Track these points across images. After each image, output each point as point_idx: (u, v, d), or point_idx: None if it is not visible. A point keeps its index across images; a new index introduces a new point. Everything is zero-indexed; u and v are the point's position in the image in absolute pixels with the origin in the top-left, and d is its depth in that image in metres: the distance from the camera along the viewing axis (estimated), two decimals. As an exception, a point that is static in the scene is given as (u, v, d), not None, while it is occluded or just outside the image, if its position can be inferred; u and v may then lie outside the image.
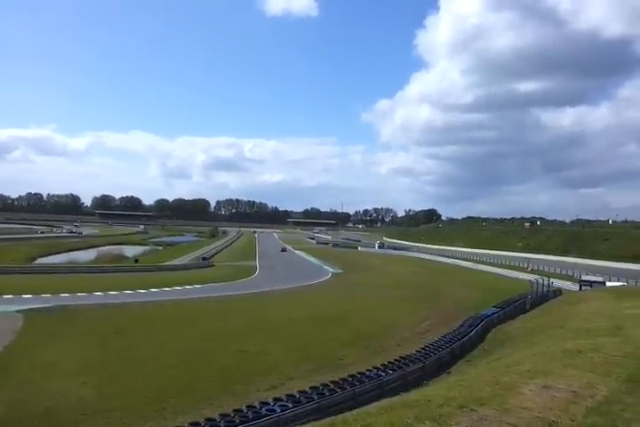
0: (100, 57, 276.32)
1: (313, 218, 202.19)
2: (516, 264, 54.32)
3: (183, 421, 10.33)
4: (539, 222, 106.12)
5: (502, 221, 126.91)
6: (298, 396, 11.85)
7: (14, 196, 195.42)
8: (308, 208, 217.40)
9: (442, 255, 70.05)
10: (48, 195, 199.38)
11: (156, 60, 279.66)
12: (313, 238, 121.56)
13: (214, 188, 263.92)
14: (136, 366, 14.78)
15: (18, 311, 21.88)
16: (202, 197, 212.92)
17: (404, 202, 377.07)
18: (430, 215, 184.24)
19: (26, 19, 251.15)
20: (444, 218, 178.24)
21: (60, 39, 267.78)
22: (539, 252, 68.11)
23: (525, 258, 56.79)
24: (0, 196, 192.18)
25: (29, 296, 26.33)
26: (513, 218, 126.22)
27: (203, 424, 9.87)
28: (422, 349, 17.45)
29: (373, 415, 6.79)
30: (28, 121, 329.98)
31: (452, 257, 66.44)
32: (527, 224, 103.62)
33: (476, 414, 6.43)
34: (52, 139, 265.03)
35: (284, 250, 79.82)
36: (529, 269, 50.35)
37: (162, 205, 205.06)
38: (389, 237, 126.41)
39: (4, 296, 26.14)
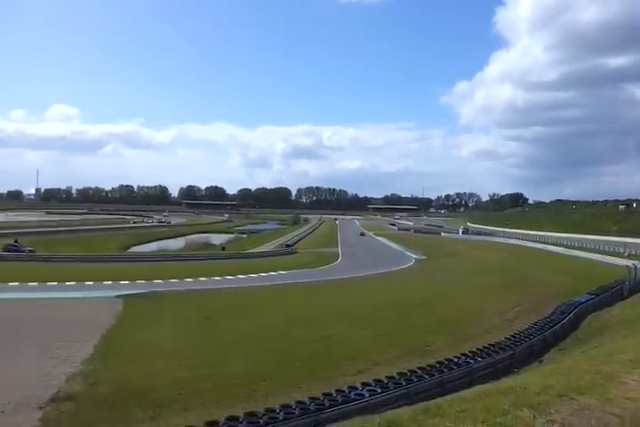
0: (183, 52, 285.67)
1: (393, 204, 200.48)
2: (611, 249, 51.46)
3: (273, 403, 10.57)
4: (634, 205, 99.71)
5: (594, 203, 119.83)
6: (386, 381, 11.84)
7: (108, 188, 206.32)
8: (388, 194, 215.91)
9: (530, 240, 67.46)
10: (138, 186, 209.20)
11: (234, 52, 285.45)
12: (394, 225, 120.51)
13: (295, 176, 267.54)
14: (227, 349, 15.31)
15: (117, 296, 23.25)
16: (283, 186, 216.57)
17: (487, 186, 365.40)
18: (516, 199, 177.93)
19: (114, 17, 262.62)
20: (530, 202, 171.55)
21: (142, 36, 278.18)
22: (636, 236, 64.10)
23: (621, 242, 53.66)
24: (95, 188, 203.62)
25: (126, 282, 27.87)
26: (606, 200, 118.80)
27: (293, 407, 10.07)
28: (512, 336, 16.94)
29: (468, 401, 6.67)
30: (118, 116, 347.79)
31: (541, 242, 63.85)
32: (622, 207, 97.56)
33: (577, 403, 6.17)
34: (140, 133, 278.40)
35: (362, 234, 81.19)
36: (626, 254, 47.48)
37: (245, 194, 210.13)
38: (473, 223, 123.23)
39: (104, 282, 27.84)
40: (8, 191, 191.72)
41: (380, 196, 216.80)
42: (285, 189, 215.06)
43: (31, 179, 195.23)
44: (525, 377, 9.47)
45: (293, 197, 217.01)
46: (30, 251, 43.68)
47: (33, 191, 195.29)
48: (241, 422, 9.23)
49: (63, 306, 21.65)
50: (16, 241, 47.77)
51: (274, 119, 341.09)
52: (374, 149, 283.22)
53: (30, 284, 27.18)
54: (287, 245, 57.70)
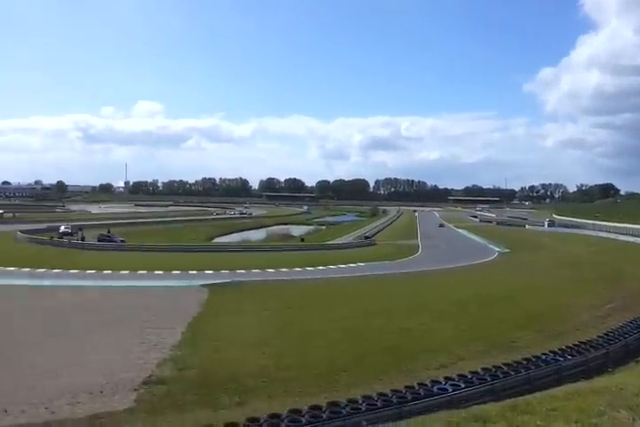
0: (261, 46, 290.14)
1: (474, 195, 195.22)
2: None
3: (355, 394, 10.59)
4: None
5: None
6: (470, 376, 11.59)
7: (191, 181, 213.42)
8: (469, 185, 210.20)
9: (623, 233, 63.80)
10: (220, 179, 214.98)
11: (311, 44, 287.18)
12: (475, 217, 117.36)
13: (372, 167, 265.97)
14: (308, 339, 15.49)
15: (202, 286, 24.08)
16: (360, 177, 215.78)
17: (574, 176, 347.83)
18: (606, 190, 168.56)
19: (191, 18, 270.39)
20: (622, 193, 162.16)
21: (217, 33, 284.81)
22: None
23: None
24: (180, 181, 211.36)
25: (210, 272, 28.79)
26: None
27: (376, 398, 10.05)
28: (605, 334, 16.09)
29: (559, 400, 6.41)
30: (200, 111, 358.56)
31: (636, 235, 60.24)
32: None
33: (681, 406, 5.77)
34: (220, 127, 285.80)
35: (441, 226, 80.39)
36: None
37: (323, 185, 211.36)
38: (560, 215, 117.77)
39: (190, 272, 28.91)
40: (100, 184, 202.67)
41: (460, 187, 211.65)
42: (363, 180, 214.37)
43: (120, 172, 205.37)
44: (621, 377, 8.99)
45: (371, 189, 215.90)
46: (122, 241, 46.05)
47: (122, 184, 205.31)
48: (324, 412, 9.32)
49: (152, 294, 22.69)
50: (109, 231, 50.52)
51: (350, 111, 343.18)
52: (454, 138, 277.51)
53: (122, 272, 28.69)
54: (366, 237, 57.59)
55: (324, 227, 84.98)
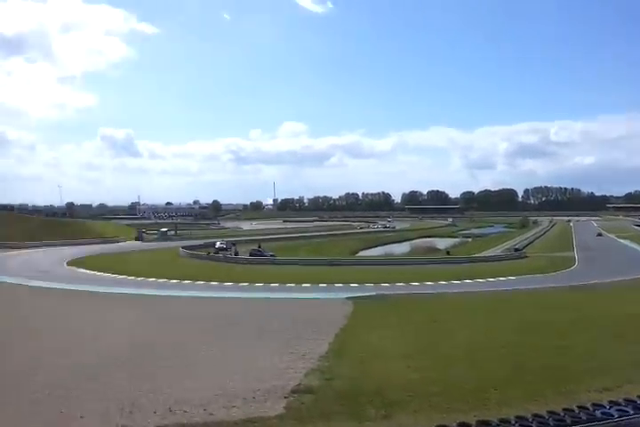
0: (396, 62, 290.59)
1: (638, 202, 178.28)
2: None
3: (507, 413, 10.07)
4: None
5: None
6: (639, 402, 10.50)
7: (335, 196, 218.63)
8: (631, 191, 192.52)
9: None
10: (362, 194, 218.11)
11: (444, 54, 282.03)
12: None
13: (520, 176, 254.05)
14: (455, 354, 15.03)
15: (347, 298, 24.45)
16: (508, 187, 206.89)
17: None
18: None
19: (329, 39, 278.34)
20: None
21: (354, 52, 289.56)
22: None
23: None
24: (324, 197, 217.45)
25: (355, 285, 29.21)
26: None
27: (530, 419, 9.47)
28: None
29: None
30: (341, 129, 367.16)
31: None
32: None
33: None
34: (361, 143, 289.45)
35: (599, 235, 75.61)
36: None
37: (467, 197, 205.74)
38: None
39: (336, 285, 29.54)
40: (251, 202, 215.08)
41: (620, 194, 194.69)
42: (511, 190, 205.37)
43: (269, 191, 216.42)
44: None
45: (520, 199, 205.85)
46: (271, 255, 48.31)
47: (271, 202, 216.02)
48: (473, 430, 8.97)
49: (300, 306, 23.50)
50: (259, 246, 53.28)
51: (493, 119, 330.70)
52: (610, 142, 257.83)
53: (272, 285, 30.07)
54: (516, 249, 54.96)
55: (469, 239, 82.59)
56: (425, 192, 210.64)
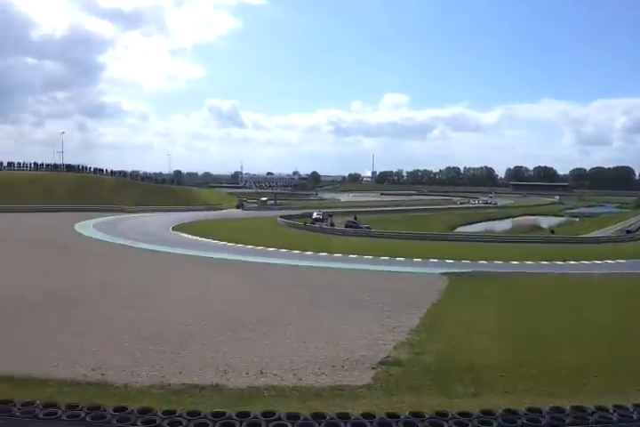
0: (506, 27, 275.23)
1: None
2: None
3: (605, 402, 9.52)
4: None
5: None
6: None
7: (435, 170, 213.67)
8: None
9: None
10: (464, 168, 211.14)
11: (550, 17, 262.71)
12: None
13: (639, 153, 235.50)
14: (553, 336, 14.41)
15: (442, 274, 24.07)
16: (624, 165, 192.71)
17: None
18: None
19: (437, 10, 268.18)
20: None
21: (467, 21, 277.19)
22: None
23: None
24: (424, 171, 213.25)
25: (451, 261, 28.63)
26: None
27: (631, 409, 8.90)
28: None
29: None
30: (444, 101, 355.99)
31: None
32: None
33: None
34: (465, 115, 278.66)
35: None
36: None
37: (577, 174, 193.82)
38: None
39: (431, 260, 29.12)
40: (349, 174, 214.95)
41: None
42: (627, 168, 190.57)
43: (368, 163, 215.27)
44: None
45: (637, 178, 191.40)
46: (367, 227, 48.35)
47: (369, 174, 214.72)
48: (567, 416, 8.58)
49: (393, 279, 23.46)
50: (355, 218, 53.48)
51: (611, 91, 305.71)
52: None
53: (365, 257, 30.16)
54: (628, 231, 51.38)
55: (577, 219, 78.14)
56: (531, 168, 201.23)
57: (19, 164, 78.46)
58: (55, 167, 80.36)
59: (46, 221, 49.75)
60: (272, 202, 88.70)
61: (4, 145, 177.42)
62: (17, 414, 7.64)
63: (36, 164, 79.47)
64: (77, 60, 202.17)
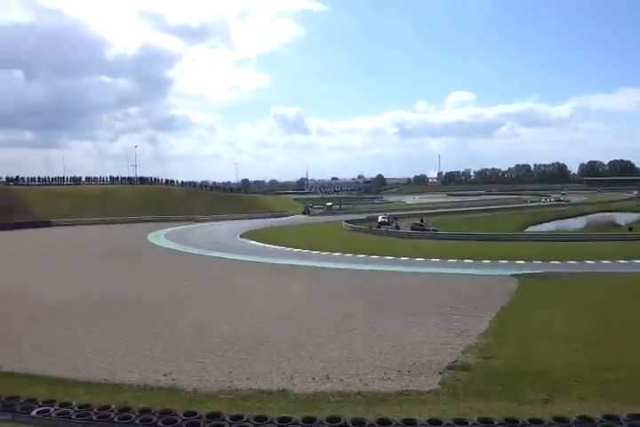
0: (571, 21, 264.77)
1: None
2: None
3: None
4: None
5: None
6: None
7: (504, 168, 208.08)
8: None
9: None
10: (535, 165, 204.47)
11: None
12: None
13: None
14: (631, 340, 13.69)
15: (512, 275, 23.41)
16: None
17: None
18: None
19: (495, 5, 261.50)
20: None
21: (525, 16, 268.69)
22: None
23: None
24: (492, 169, 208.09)
25: (522, 262, 27.77)
26: None
27: None
28: None
29: None
30: (512, 97, 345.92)
31: None
32: None
33: None
34: (535, 110, 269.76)
35: None
36: None
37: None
38: None
39: (501, 261, 28.37)
40: (415, 176, 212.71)
41: None
42: None
43: (434, 164, 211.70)
44: None
45: None
46: (434, 230, 47.67)
47: (435, 175, 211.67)
48: (646, 423, 8.16)
49: (461, 282, 22.99)
50: (422, 221, 52.90)
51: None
52: None
53: (433, 260, 29.73)
54: None
55: (658, 214, 74.07)
56: (606, 162, 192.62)
57: (95, 178, 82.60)
58: (129, 180, 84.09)
59: (121, 232, 52.10)
60: (337, 207, 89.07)
61: (85, 161, 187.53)
62: (94, 418, 8.12)
63: (112, 177, 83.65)
64: (148, 76, 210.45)
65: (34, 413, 8.32)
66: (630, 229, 49.31)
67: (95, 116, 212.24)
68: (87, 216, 63.27)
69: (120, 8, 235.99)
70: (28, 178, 77.08)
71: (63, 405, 8.53)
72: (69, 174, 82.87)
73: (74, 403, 8.63)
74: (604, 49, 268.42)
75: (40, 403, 8.63)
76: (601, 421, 8.32)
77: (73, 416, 8.10)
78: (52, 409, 8.38)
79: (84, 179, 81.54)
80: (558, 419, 8.37)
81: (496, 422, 8.20)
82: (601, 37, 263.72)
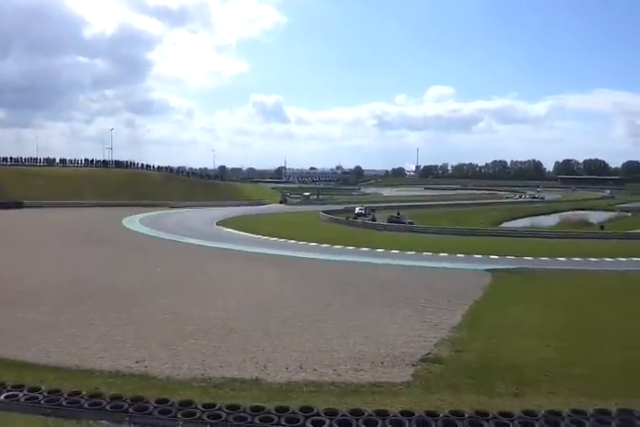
0: (553, 20, 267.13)
1: None
2: None
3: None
4: None
5: None
6: None
7: (481, 164, 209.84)
8: None
9: None
10: (511, 161, 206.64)
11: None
12: None
13: None
14: (601, 336, 13.97)
15: (486, 270, 23.68)
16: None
17: None
18: None
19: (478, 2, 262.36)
20: None
21: (503, 13, 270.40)
22: None
23: None
24: (469, 164, 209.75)
25: (496, 257, 28.10)
26: None
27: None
28: None
29: None
30: (491, 93, 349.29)
31: None
32: None
33: None
34: (513, 107, 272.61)
35: None
36: None
37: (631, 167, 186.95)
38: None
39: (474, 256, 28.66)
40: (392, 169, 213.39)
41: None
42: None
43: (412, 157, 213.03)
44: None
45: None
46: (410, 223, 47.90)
47: (413, 168, 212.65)
48: (613, 418, 8.34)
49: (435, 275, 23.21)
50: (398, 213, 53.11)
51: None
52: None
53: (408, 253, 29.91)
54: (684, 227, 49.40)
55: (629, 214, 75.51)
56: (581, 161, 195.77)
57: (71, 160, 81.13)
58: (105, 163, 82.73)
59: (95, 216, 51.34)
60: (315, 197, 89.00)
61: (59, 142, 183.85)
62: (64, 403, 7.99)
63: (87, 160, 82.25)
64: (126, 57, 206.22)
65: (1, 397, 8.16)
66: (602, 227, 50.18)
67: (71, 97, 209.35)
68: (60, 198, 62.03)
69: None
70: (0, 157, 75.36)
71: (32, 390, 8.38)
72: (43, 155, 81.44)
73: (43, 388, 8.48)
74: (581, 50, 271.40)
75: (9, 388, 8.47)
76: (569, 415, 8.47)
77: (42, 402, 7.96)
78: (21, 394, 8.23)
79: (57, 160, 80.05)
80: (527, 413, 8.50)
81: (466, 415, 8.29)
82: (580, 38, 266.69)
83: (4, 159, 75.54)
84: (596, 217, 65.50)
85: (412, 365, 11.45)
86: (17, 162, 76.35)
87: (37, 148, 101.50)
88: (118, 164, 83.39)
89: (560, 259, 28.07)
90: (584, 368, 11.42)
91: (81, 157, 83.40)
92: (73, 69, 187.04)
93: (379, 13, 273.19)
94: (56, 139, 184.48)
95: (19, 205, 58.54)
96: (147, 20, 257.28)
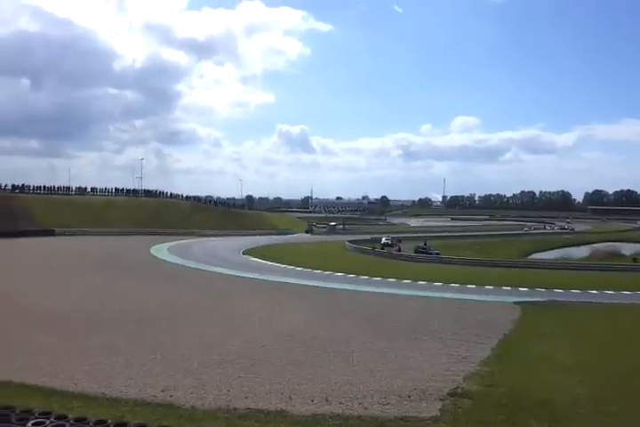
0: (574, 51, 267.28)
1: None
2: None
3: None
4: None
5: None
6: None
7: (509, 194, 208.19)
8: None
9: None
10: (540, 192, 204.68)
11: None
12: None
13: None
14: (633, 373, 13.48)
15: (515, 303, 23.24)
16: None
17: None
18: None
19: (499, 30, 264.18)
20: None
21: (530, 43, 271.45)
22: None
23: None
24: (497, 195, 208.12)
25: (525, 289, 27.66)
26: None
27: None
28: None
29: None
30: (517, 123, 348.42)
31: None
32: None
33: None
34: (540, 137, 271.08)
35: None
36: None
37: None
38: None
39: (504, 288, 28.22)
40: (419, 199, 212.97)
41: None
42: None
43: (438, 187, 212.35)
44: None
45: None
46: (437, 253, 47.54)
47: (440, 199, 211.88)
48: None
49: (463, 307, 22.81)
50: (425, 244, 52.81)
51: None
52: None
53: (435, 284, 29.59)
54: None
55: (663, 245, 73.74)
56: (611, 192, 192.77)
57: (101, 189, 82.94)
58: (134, 192, 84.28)
59: (124, 244, 52.04)
60: (341, 227, 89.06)
61: (90, 171, 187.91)
62: (90, 431, 7.97)
63: (117, 189, 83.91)
64: (155, 89, 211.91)
65: (29, 424, 8.19)
66: (635, 259, 49.03)
67: (101, 127, 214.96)
68: (91, 226, 63.37)
69: (128, 20, 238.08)
70: (33, 186, 77.47)
71: (59, 417, 8.40)
72: (74, 184, 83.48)
73: (70, 416, 8.50)
74: (608, 79, 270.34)
75: (36, 415, 8.51)
76: (604, 455, 8.18)
77: (69, 429, 7.96)
78: (48, 422, 8.24)
79: (89, 189, 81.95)
80: (560, 451, 8.25)
81: (497, 453, 8.07)
82: (606, 68, 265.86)
83: (37, 188, 77.64)
84: (628, 249, 64.10)
85: (440, 399, 11.19)
86: (49, 191, 78.32)
87: (69, 177, 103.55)
88: (148, 193, 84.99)
89: (592, 291, 27.45)
90: (617, 406, 11.03)
91: (111, 185, 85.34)
92: (103, 101, 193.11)
93: (402, 44, 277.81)
94: (87, 168, 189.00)
95: (50, 233, 59.78)
96: (175, 52, 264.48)
